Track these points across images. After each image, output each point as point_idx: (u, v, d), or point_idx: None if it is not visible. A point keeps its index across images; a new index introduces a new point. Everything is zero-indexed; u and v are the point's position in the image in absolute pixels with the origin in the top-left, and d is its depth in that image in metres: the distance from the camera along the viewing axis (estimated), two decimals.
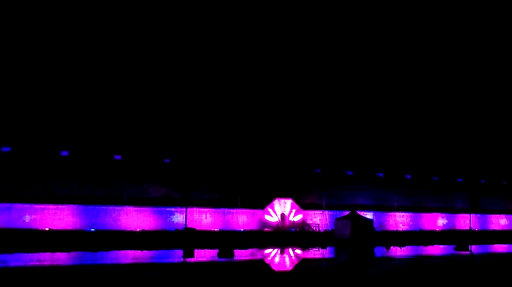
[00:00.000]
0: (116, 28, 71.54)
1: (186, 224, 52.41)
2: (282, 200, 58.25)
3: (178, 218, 53.11)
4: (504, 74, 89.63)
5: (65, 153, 53.61)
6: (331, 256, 43.31)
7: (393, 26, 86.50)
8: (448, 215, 67.96)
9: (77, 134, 58.73)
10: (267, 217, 57.33)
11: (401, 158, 74.23)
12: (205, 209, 54.73)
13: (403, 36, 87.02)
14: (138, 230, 50.16)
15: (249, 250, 44.26)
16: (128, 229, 50.09)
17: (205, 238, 49.63)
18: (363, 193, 66.15)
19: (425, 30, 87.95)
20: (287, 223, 57.61)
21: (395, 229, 63.37)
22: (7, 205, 47.28)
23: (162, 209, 52.93)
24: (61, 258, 36.13)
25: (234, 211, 56.18)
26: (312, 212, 59.78)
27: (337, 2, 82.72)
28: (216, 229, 53.54)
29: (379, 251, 46.43)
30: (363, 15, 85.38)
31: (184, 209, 53.17)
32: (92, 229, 48.24)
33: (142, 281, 24.69)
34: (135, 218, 51.54)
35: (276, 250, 45.04)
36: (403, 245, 51.97)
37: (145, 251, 41.16)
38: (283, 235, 53.83)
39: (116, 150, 56.75)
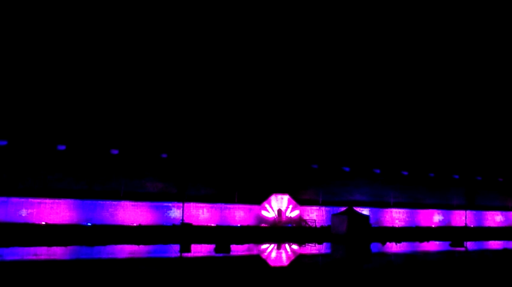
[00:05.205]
0: (113, 25, 71.19)
1: (183, 219, 52.46)
2: (279, 196, 58.35)
3: (175, 213, 53.16)
4: (501, 72, 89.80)
5: (61, 147, 53.47)
6: (328, 251, 43.48)
7: (391, 24, 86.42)
8: (444, 211, 68.23)
9: (74, 128, 58.57)
10: (263, 213, 57.45)
11: (398, 154, 74.40)
12: (202, 205, 54.78)
13: (401, 35, 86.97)
14: (135, 224, 50.19)
15: (246, 245, 44.37)
16: (125, 224, 50.11)
17: (202, 233, 49.70)
18: (360, 189, 66.30)
19: (422, 29, 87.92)
20: (284, 218, 57.75)
21: (391, 225, 63.61)
22: (3, 198, 47.18)
23: (159, 204, 52.95)
24: (58, 252, 36.14)
25: (231, 206, 56.24)
26: (308, 208, 59.91)
27: (336, 2, 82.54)
28: (213, 224, 53.63)
29: (375, 247, 46.63)
30: (360, 13, 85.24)
31: (181, 204, 53.20)
32: (89, 224, 48.23)
33: (139, 276, 24.75)
34: (132, 213, 51.55)
35: (272, 245, 45.18)
36: (399, 241, 52.19)
37: (142, 246, 41.21)
38: (280, 231, 53.96)
39: (113, 144, 56.64)
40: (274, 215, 57.60)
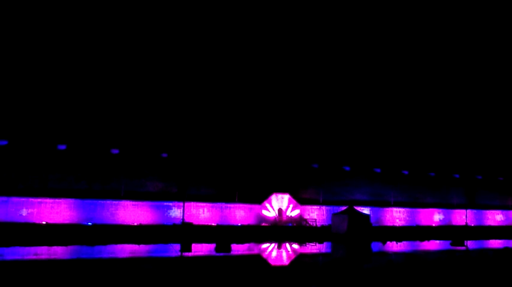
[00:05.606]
0: (113, 25, 71.16)
1: (183, 218, 52.46)
2: (280, 195, 58.34)
3: (176, 212, 53.14)
4: (500, 72, 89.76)
5: (62, 147, 53.47)
6: (328, 250, 43.48)
7: (391, 24, 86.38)
8: (444, 210, 68.24)
9: (74, 127, 58.54)
10: (264, 212, 57.43)
11: (399, 154, 74.38)
12: (202, 204, 54.76)
13: (401, 35, 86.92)
14: (135, 224, 50.18)
15: (246, 245, 44.37)
16: (125, 223, 50.10)
17: (202, 233, 49.71)
18: (360, 188, 66.30)
19: (422, 29, 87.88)
20: (284, 217, 57.73)
21: (392, 224, 63.60)
22: (4, 198, 47.17)
23: (160, 203, 52.93)
24: (58, 252, 36.14)
25: (232, 205, 56.22)
26: (309, 207, 59.89)
27: (337, 2, 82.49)
28: (213, 224, 53.61)
29: (376, 246, 46.62)
30: (360, 13, 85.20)
31: (181, 204, 53.20)
32: (89, 223, 48.22)
33: (139, 276, 24.74)
34: (133, 212, 51.53)
35: (273, 244, 45.17)
36: (400, 240, 52.19)
37: (142, 246, 41.20)
38: (281, 230, 53.96)
39: (113, 144, 56.61)
40: (274, 214, 57.58)
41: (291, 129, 72.00)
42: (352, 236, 51.58)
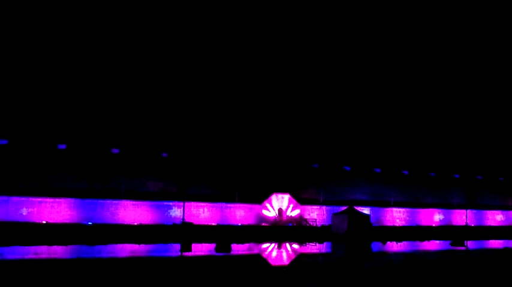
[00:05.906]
0: (113, 25, 71.16)
1: (183, 218, 52.46)
2: (280, 195, 58.34)
3: (176, 212, 53.15)
4: (500, 72, 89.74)
5: (62, 146, 53.47)
6: (328, 250, 43.49)
7: (391, 24, 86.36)
8: (444, 210, 68.23)
9: (74, 127, 58.55)
10: (264, 212, 57.44)
11: (399, 154, 74.37)
12: (202, 204, 54.76)
13: (401, 35, 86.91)
14: (135, 224, 50.19)
15: (247, 245, 44.37)
16: (125, 223, 50.10)
17: (202, 232, 49.71)
18: (360, 188, 66.27)
19: (422, 29, 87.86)
20: (284, 217, 57.74)
21: (392, 224, 63.59)
22: (4, 197, 47.17)
23: (160, 203, 52.94)
24: (58, 251, 36.14)
25: (232, 205, 56.22)
26: (309, 207, 59.89)
27: (337, 2, 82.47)
28: (213, 223, 53.62)
29: (376, 246, 46.63)
30: (360, 13, 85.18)
31: (181, 204, 53.20)
32: (89, 223, 48.23)
33: (139, 275, 24.74)
34: (133, 212, 51.53)
35: (273, 244, 45.17)
36: (400, 241, 52.19)
37: (142, 245, 41.20)
38: (281, 230, 53.96)
39: (113, 143, 56.61)
40: (274, 214, 57.59)
41: (291, 129, 72.00)
42: (352, 236, 51.58)
